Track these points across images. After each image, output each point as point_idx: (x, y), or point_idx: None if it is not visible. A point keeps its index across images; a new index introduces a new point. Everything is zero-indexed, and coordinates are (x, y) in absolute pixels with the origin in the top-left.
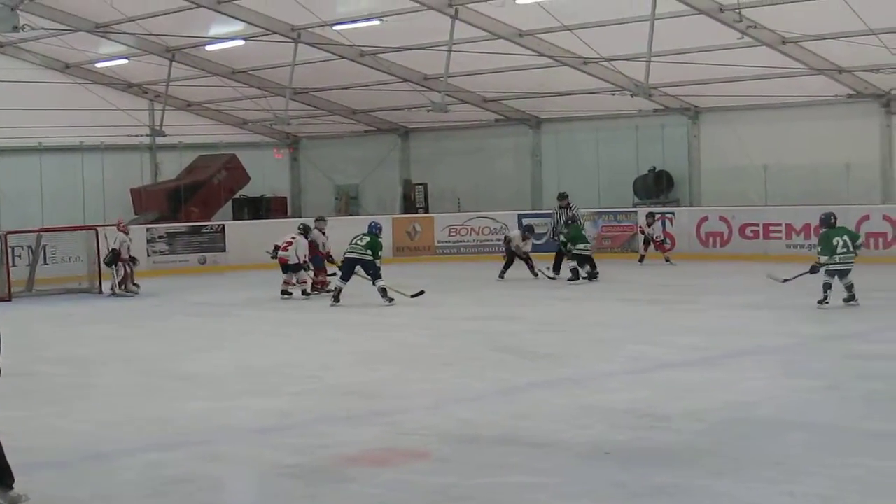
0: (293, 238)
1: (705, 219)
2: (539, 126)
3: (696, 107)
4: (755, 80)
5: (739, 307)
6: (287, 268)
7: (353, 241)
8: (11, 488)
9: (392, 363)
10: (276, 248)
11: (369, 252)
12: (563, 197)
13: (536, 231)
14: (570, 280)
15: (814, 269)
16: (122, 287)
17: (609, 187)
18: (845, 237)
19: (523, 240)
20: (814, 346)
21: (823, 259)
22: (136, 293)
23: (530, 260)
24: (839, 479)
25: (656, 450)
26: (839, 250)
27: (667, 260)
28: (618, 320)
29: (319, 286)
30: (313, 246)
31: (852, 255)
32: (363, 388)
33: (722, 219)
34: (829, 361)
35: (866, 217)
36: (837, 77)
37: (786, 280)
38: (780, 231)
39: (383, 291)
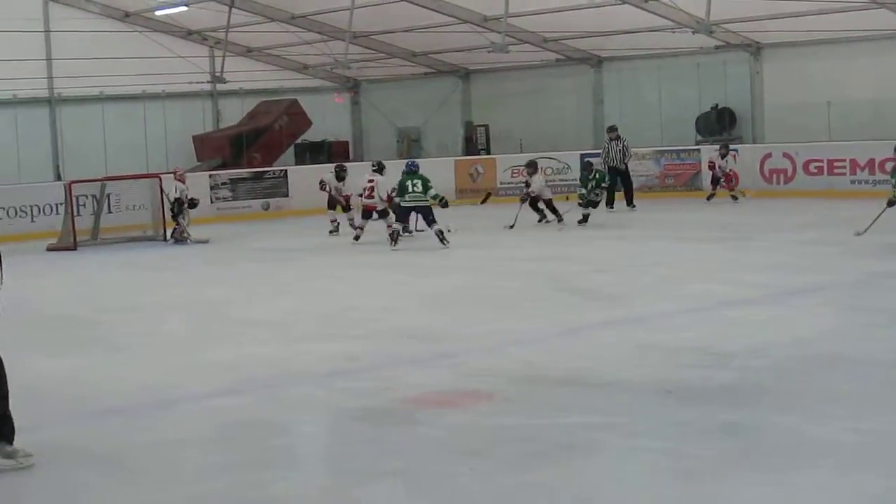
0: (372, 181)
1: (769, 155)
2: (600, 65)
3: (757, 43)
4: (817, 14)
5: (803, 244)
6: (379, 213)
7: (408, 188)
8: (11, 442)
9: (454, 305)
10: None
11: (428, 197)
12: (612, 129)
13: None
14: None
15: (891, 203)
16: (184, 234)
17: (671, 126)
18: None
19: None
20: (878, 282)
21: None
22: (190, 240)
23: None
24: None
25: (720, 387)
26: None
27: (734, 197)
28: (679, 259)
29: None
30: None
31: None
32: (426, 330)
33: (786, 155)
34: (888, 297)
35: None
36: None
37: (865, 230)
38: (844, 167)
39: (440, 234)
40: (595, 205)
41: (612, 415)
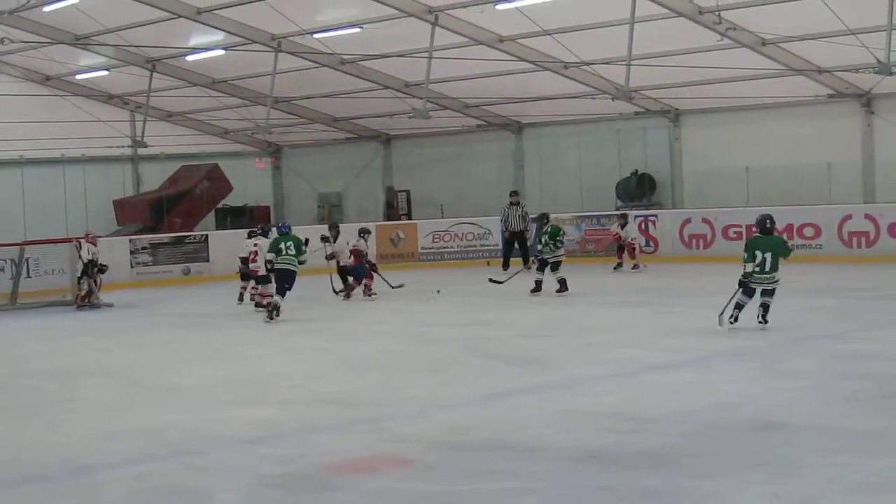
0: (256, 246)
1: (688, 221)
2: (521, 131)
3: (676, 109)
4: (735, 81)
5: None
6: (258, 280)
7: (281, 250)
8: None
9: (377, 370)
10: (244, 259)
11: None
12: (514, 194)
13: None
14: (559, 291)
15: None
16: (88, 300)
17: (592, 191)
18: (767, 254)
19: (621, 228)
20: (797, 346)
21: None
22: (102, 305)
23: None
24: (823, 479)
25: (642, 453)
26: (755, 267)
27: (635, 266)
28: (603, 324)
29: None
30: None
31: (772, 275)
32: (349, 395)
33: (705, 220)
34: (812, 361)
35: (848, 216)
36: (817, 77)
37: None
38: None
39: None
40: (547, 264)
41: (533, 480)
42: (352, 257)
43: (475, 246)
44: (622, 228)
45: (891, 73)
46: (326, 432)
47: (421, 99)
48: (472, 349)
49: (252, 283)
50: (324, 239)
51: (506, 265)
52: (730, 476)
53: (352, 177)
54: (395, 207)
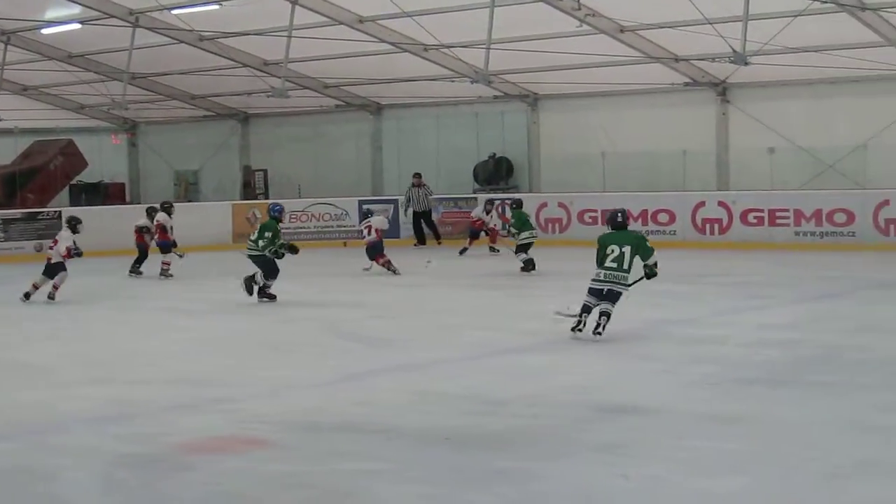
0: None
1: (545, 205)
2: (380, 112)
3: (535, 94)
4: (593, 67)
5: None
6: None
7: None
8: None
9: (233, 350)
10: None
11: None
12: (417, 175)
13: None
14: (526, 270)
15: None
16: None
17: (449, 174)
18: (626, 248)
19: (486, 213)
20: (650, 330)
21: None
22: None
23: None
24: (672, 461)
25: (494, 434)
26: (608, 263)
27: (494, 249)
28: (458, 306)
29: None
30: (162, 230)
31: (624, 274)
32: (204, 375)
33: (561, 205)
34: (665, 346)
35: (702, 203)
36: (674, 65)
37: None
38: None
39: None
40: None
41: (388, 461)
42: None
43: (332, 227)
44: (487, 214)
45: (746, 63)
46: (181, 412)
47: (280, 78)
48: (328, 330)
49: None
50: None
51: (419, 241)
52: (580, 457)
53: (209, 155)
54: (252, 186)
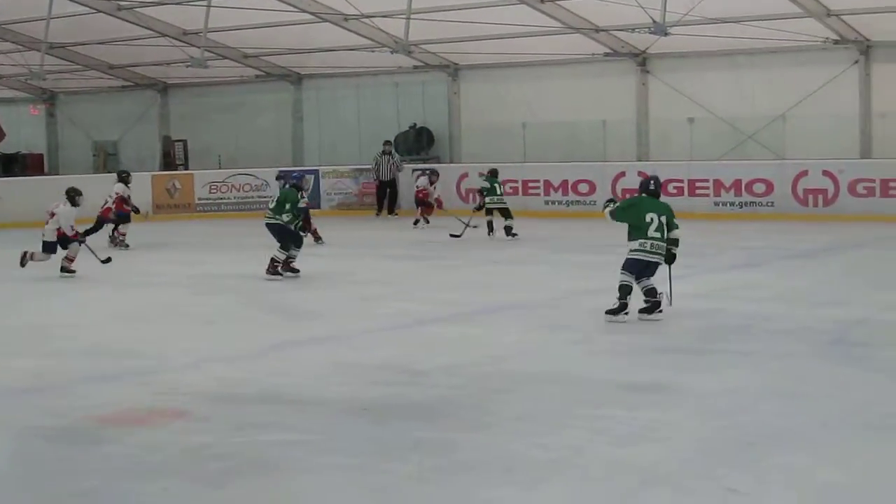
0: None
1: (465, 175)
2: (300, 82)
3: (455, 64)
4: (514, 38)
5: (499, 263)
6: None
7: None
8: None
9: (152, 322)
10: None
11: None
12: (387, 143)
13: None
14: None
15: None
16: None
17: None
18: (663, 218)
19: (431, 184)
20: (567, 300)
21: (634, 245)
22: None
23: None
24: (590, 431)
25: (414, 405)
26: (651, 232)
27: (420, 220)
28: (378, 277)
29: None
30: (120, 200)
31: (664, 245)
32: (121, 346)
33: (482, 175)
34: (581, 315)
35: (622, 174)
36: (594, 36)
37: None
38: (538, 187)
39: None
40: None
41: (307, 432)
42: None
43: (252, 197)
44: (432, 185)
45: (665, 34)
46: (97, 384)
47: (199, 48)
48: (249, 301)
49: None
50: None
51: (380, 212)
52: (499, 427)
53: (128, 125)
54: (172, 157)
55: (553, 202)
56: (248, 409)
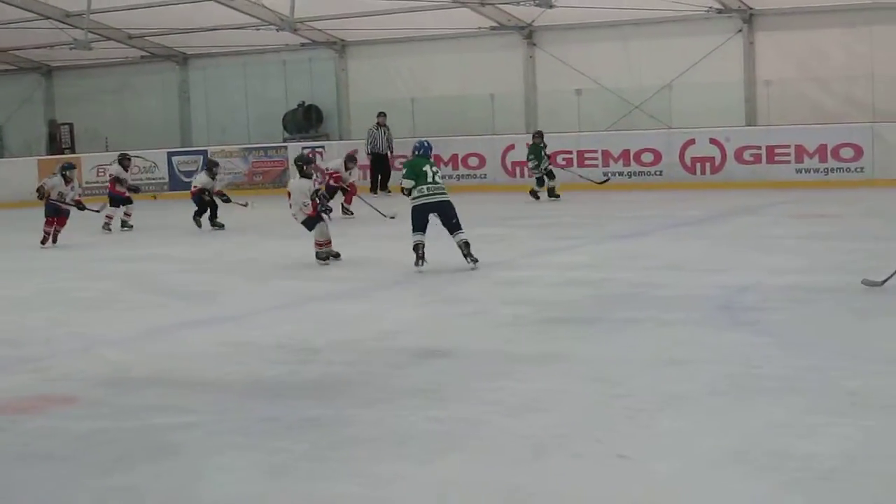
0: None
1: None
2: (186, 63)
3: (342, 40)
4: (401, 13)
5: (388, 238)
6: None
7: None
8: None
9: (39, 308)
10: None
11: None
12: (382, 115)
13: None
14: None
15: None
16: None
17: (258, 123)
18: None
19: (346, 169)
20: (460, 273)
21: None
22: None
23: (354, 190)
24: (485, 403)
25: (307, 383)
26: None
27: (344, 210)
28: (268, 256)
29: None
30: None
31: None
32: (8, 334)
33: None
34: (476, 288)
35: (511, 146)
36: (480, 10)
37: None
38: None
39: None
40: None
41: (199, 413)
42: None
43: (141, 179)
44: (347, 170)
45: (551, 6)
46: None
47: (83, 29)
48: (138, 284)
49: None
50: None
51: (375, 188)
52: (392, 403)
53: (13, 110)
54: (59, 141)
55: (444, 176)
56: (141, 392)
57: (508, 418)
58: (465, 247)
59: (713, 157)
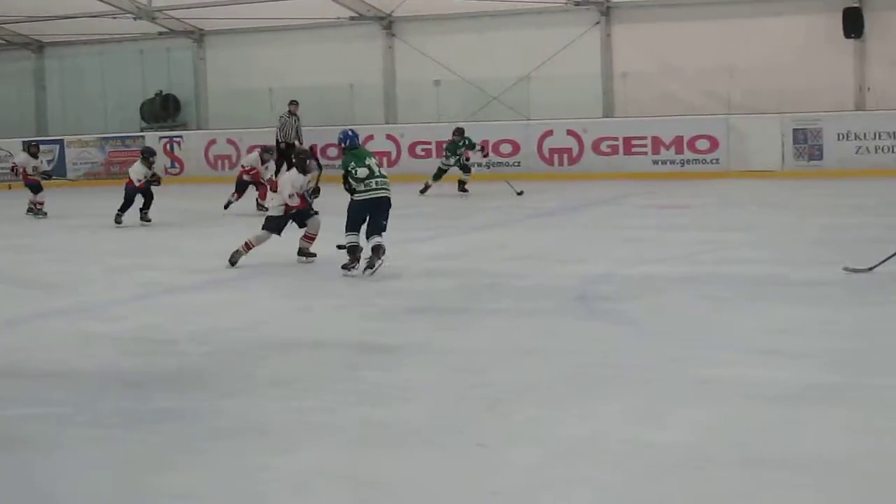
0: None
1: (213, 142)
2: (42, 51)
3: (200, 30)
4: (259, 2)
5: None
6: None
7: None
8: None
9: None
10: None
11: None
12: (295, 103)
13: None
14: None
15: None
16: None
17: (116, 112)
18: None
19: (263, 163)
20: (327, 266)
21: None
22: None
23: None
24: (345, 393)
25: (166, 374)
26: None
27: (232, 203)
28: (127, 247)
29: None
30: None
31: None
32: None
33: (230, 141)
34: (342, 279)
35: (371, 137)
36: (341, 0)
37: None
38: None
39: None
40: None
41: (57, 405)
42: None
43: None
44: (263, 164)
45: None
46: None
47: None
48: None
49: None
50: None
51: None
52: (254, 394)
53: None
54: None
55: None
56: None
57: (369, 408)
58: (379, 252)
59: (571, 149)
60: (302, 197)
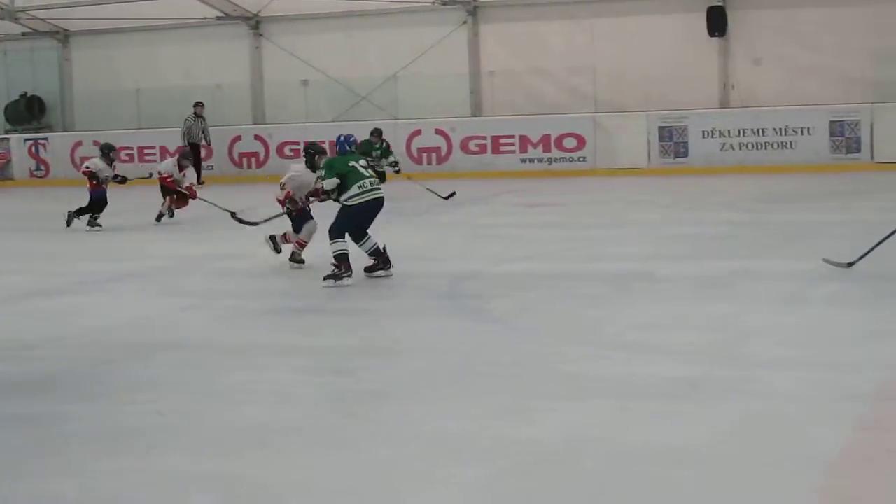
0: None
1: (80, 143)
2: None
3: (65, 30)
4: (125, 3)
5: (124, 230)
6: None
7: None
8: None
9: None
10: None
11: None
12: (200, 105)
13: None
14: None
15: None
16: None
17: None
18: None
19: (181, 170)
20: (185, 265)
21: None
22: None
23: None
24: (205, 395)
25: (19, 379)
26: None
27: (165, 214)
28: None
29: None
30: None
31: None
32: None
33: (96, 143)
34: (197, 280)
35: (238, 137)
36: (206, 0)
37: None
38: (154, 154)
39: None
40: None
41: None
42: None
43: None
44: (181, 171)
45: None
46: None
47: None
48: None
49: None
50: None
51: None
52: (112, 398)
53: None
54: None
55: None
56: None
57: (228, 411)
58: (384, 250)
59: (439, 148)
60: (304, 201)
